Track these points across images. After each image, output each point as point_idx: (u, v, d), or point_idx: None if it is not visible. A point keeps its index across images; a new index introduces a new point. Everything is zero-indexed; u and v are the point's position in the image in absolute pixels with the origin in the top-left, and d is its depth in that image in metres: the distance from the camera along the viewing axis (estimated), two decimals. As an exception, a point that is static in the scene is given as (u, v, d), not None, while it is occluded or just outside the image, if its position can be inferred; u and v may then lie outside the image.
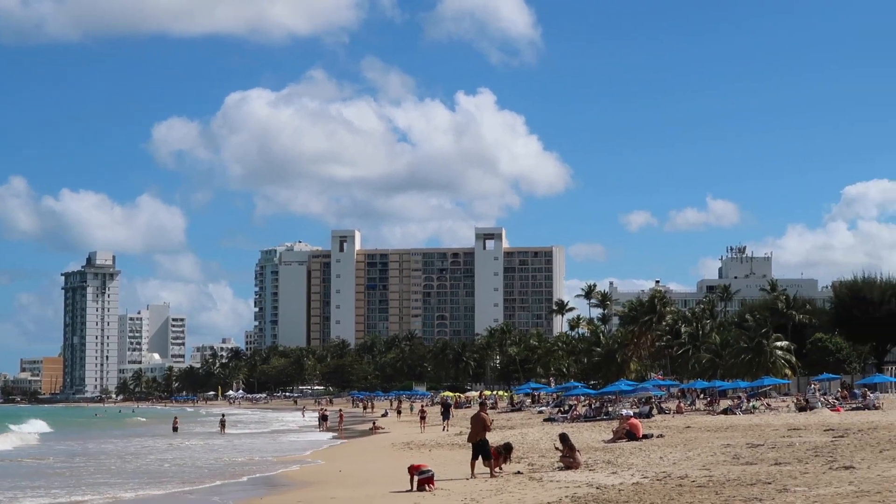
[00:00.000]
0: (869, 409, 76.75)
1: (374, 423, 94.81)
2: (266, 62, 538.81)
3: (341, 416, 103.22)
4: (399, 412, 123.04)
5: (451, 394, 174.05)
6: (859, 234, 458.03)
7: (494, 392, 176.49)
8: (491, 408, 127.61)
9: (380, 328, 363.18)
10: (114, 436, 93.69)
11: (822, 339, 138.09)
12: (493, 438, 38.33)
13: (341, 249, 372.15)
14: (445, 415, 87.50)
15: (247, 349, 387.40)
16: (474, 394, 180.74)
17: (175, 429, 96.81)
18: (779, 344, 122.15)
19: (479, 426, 34.97)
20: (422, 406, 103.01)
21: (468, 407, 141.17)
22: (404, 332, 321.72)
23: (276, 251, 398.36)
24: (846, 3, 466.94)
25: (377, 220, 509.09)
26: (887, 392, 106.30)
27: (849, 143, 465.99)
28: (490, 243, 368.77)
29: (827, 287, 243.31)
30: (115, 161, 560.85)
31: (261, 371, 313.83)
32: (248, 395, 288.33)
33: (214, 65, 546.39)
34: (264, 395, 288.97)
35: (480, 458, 34.75)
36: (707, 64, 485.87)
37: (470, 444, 35.55)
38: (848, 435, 44.63)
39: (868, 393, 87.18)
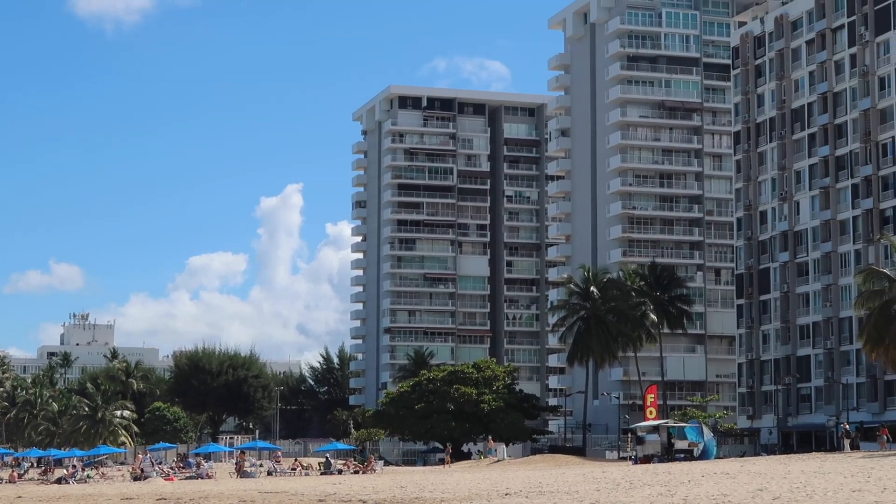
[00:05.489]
0: (202, 478, 78.67)
1: None
2: None
3: None
4: None
5: None
6: (202, 304, 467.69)
7: None
8: None
9: None
10: None
11: (161, 407, 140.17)
12: None
13: None
14: None
15: None
16: None
17: None
18: (118, 413, 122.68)
19: None
20: None
21: None
22: None
23: None
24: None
25: None
26: (221, 461, 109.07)
27: (195, 213, 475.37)
28: None
29: (168, 356, 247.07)
30: None
31: None
32: None
33: None
34: None
35: None
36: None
37: None
38: (179, 504, 45.66)
39: (202, 462, 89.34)
